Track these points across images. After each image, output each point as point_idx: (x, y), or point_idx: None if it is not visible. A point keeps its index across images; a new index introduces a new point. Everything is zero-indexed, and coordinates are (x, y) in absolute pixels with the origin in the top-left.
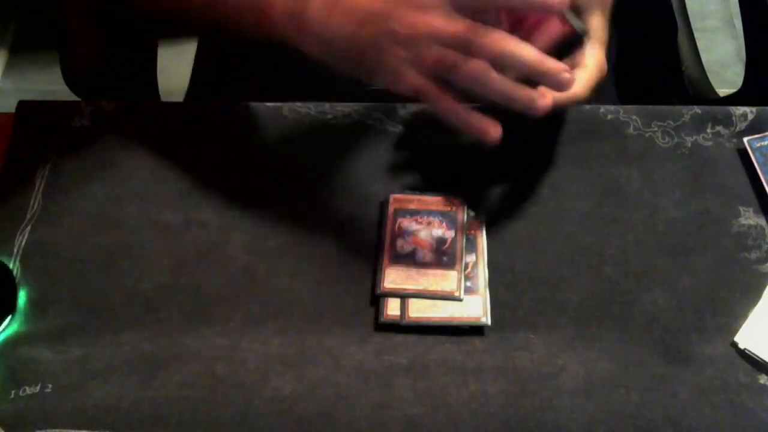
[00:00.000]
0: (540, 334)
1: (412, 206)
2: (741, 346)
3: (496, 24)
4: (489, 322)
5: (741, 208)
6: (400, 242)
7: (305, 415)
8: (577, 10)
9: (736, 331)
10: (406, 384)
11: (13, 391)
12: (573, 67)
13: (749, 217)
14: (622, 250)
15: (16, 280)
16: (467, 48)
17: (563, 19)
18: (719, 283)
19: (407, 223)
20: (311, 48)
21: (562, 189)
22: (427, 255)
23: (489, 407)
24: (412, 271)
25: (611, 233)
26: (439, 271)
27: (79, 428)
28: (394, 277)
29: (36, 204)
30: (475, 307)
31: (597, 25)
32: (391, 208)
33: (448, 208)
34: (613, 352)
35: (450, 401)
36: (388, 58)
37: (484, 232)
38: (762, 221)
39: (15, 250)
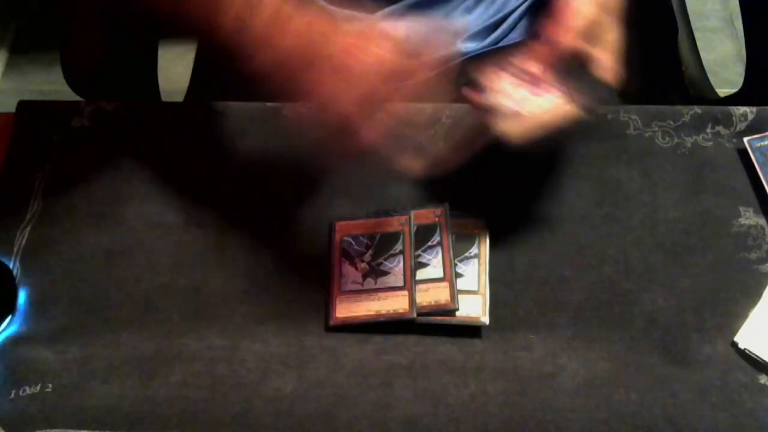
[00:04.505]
0: (540, 333)
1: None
2: (741, 346)
3: None
4: (487, 322)
5: (741, 208)
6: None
7: (305, 415)
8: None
9: (736, 331)
10: (406, 384)
11: (13, 391)
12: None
13: (749, 217)
14: (622, 250)
15: (16, 280)
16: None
17: None
18: (719, 283)
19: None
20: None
21: (562, 189)
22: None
23: (489, 407)
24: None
25: (611, 233)
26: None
27: (79, 428)
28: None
29: (36, 204)
30: (475, 307)
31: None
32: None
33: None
34: (613, 352)
35: (450, 401)
36: (326, 80)
37: (488, 232)
38: (762, 221)
39: (15, 250)
